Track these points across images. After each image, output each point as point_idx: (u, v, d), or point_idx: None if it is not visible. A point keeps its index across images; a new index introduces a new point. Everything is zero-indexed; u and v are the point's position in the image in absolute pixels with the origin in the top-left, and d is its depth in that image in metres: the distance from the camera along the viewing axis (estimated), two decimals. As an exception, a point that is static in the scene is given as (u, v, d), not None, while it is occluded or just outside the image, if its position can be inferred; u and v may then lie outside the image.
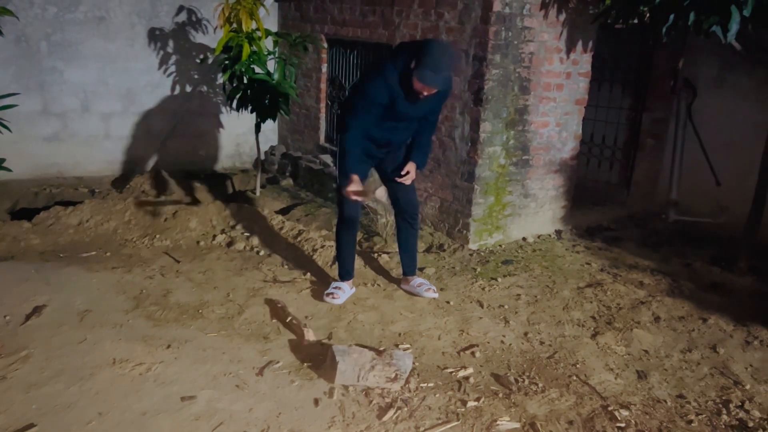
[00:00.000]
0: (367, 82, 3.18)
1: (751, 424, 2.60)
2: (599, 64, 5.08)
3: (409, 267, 3.76)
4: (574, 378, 2.91)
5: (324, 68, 6.02)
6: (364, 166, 3.39)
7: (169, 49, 6.04)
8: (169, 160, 6.21)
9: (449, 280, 3.95)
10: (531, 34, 4.27)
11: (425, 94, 3.08)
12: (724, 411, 2.70)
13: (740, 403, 2.76)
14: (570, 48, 4.50)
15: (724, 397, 2.81)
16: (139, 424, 2.36)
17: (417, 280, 3.74)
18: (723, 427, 2.59)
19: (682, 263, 4.41)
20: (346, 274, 3.63)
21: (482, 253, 4.45)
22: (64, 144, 5.78)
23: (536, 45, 4.32)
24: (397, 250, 3.78)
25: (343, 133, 3.19)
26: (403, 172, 3.42)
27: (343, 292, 3.56)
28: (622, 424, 2.56)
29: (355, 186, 3.11)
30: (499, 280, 3.99)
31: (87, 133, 5.86)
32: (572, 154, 4.86)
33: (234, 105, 5.33)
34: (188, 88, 6.24)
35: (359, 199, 3.20)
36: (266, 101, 5.17)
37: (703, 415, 2.66)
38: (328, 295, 3.52)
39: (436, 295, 3.65)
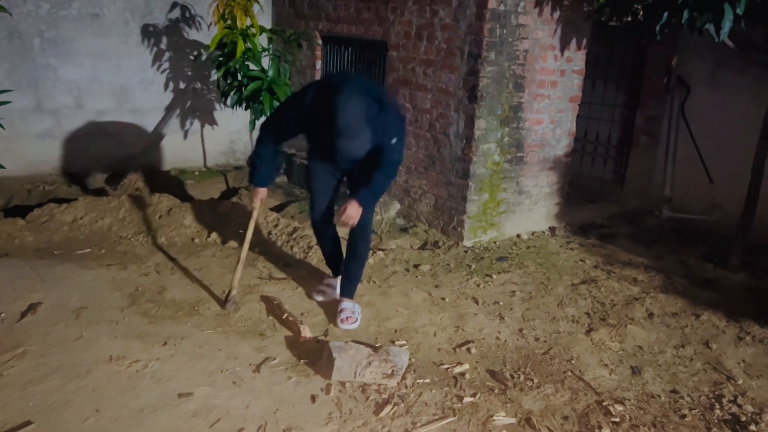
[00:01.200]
0: (289, 96, 3.20)
1: (743, 419, 2.63)
2: (593, 62, 5.11)
3: (344, 287, 3.42)
4: (569, 374, 2.93)
5: (318, 65, 6.01)
6: (327, 178, 3.30)
7: (163, 46, 6.02)
8: (163, 157, 6.20)
9: (444, 277, 3.97)
10: (525, 32, 4.28)
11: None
12: (717, 406, 2.73)
13: (733, 398, 2.78)
14: (564, 45, 4.51)
15: (716, 392, 2.84)
16: (136, 420, 2.36)
17: (345, 304, 3.34)
18: (716, 421, 2.62)
19: (675, 260, 4.44)
20: (332, 272, 3.64)
21: (477, 250, 4.47)
22: (58, 141, 5.75)
23: (531, 42, 4.34)
24: (394, 247, 3.77)
25: (257, 139, 3.21)
26: (337, 215, 3.12)
27: (332, 288, 3.56)
28: (617, 419, 2.58)
29: (256, 199, 3.27)
30: (494, 276, 4.01)
31: (81, 131, 5.83)
32: (566, 151, 4.88)
33: (228, 102, 5.33)
34: (182, 85, 6.22)
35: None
36: (260, 98, 5.17)
37: (697, 410, 2.69)
38: (316, 292, 3.56)
39: (352, 327, 3.23)
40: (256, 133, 5.67)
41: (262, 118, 5.44)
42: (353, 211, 3.03)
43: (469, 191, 4.44)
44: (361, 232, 3.26)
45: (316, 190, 3.36)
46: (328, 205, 3.39)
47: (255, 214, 3.44)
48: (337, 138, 2.70)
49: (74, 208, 4.39)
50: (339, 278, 3.59)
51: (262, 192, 3.30)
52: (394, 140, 2.94)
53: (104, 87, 5.83)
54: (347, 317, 3.27)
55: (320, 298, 3.54)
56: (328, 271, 3.79)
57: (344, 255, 3.45)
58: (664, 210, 5.21)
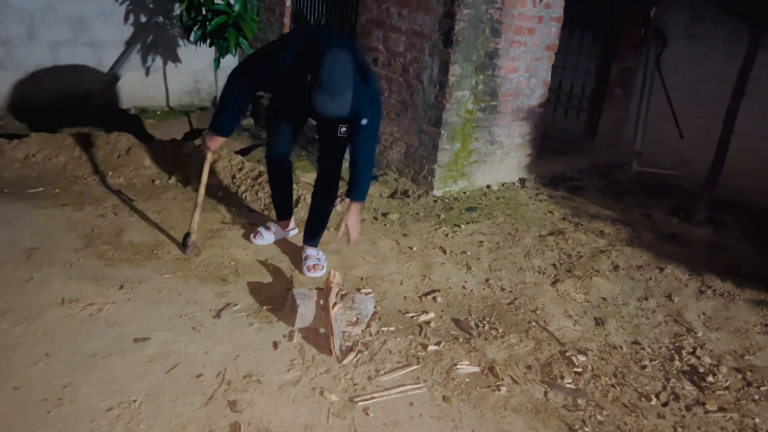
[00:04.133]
0: (268, 45, 2.89)
1: (701, 370, 2.67)
2: (572, 10, 4.98)
3: (307, 235, 3.31)
4: (534, 324, 2.93)
5: (288, 1, 5.74)
6: (291, 119, 3.17)
7: (123, -25, 5.67)
8: (123, 94, 5.92)
9: (413, 226, 3.91)
10: (505, -26, 4.12)
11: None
12: (677, 357, 2.77)
13: (692, 350, 2.82)
14: (543, -10, 4.37)
15: (677, 344, 2.87)
16: (89, 365, 2.28)
17: (308, 251, 3.28)
18: (675, 372, 2.66)
19: (642, 214, 4.46)
20: (277, 215, 3.53)
21: (446, 200, 4.41)
22: (9, 73, 5.43)
23: (509, -15, 4.18)
24: None
25: (225, 87, 2.93)
26: (340, 233, 2.96)
27: (268, 231, 3.45)
28: (579, 369, 2.60)
29: (214, 145, 3.09)
30: (463, 227, 3.97)
31: (34, 63, 5.51)
32: (540, 101, 4.80)
33: (192, 38, 5.07)
34: (143, 19, 5.89)
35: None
36: (226, 35, 4.93)
37: (657, 361, 2.72)
38: (253, 234, 3.44)
39: (318, 274, 3.17)
40: (221, 72, 5.51)
41: (228, 57, 5.21)
42: (355, 220, 2.95)
43: (441, 140, 4.34)
44: (328, 179, 3.17)
45: (277, 128, 3.22)
46: (287, 146, 3.26)
47: (209, 158, 3.25)
48: (318, 94, 2.50)
49: (26, 145, 4.16)
50: (283, 223, 3.51)
51: (220, 141, 3.11)
52: (365, 121, 2.78)
53: (59, 16, 5.49)
54: (313, 265, 3.20)
55: (257, 241, 3.40)
56: (296, 217, 3.69)
57: (310, 202, 3.35)
58: (633, 164, 5.21)
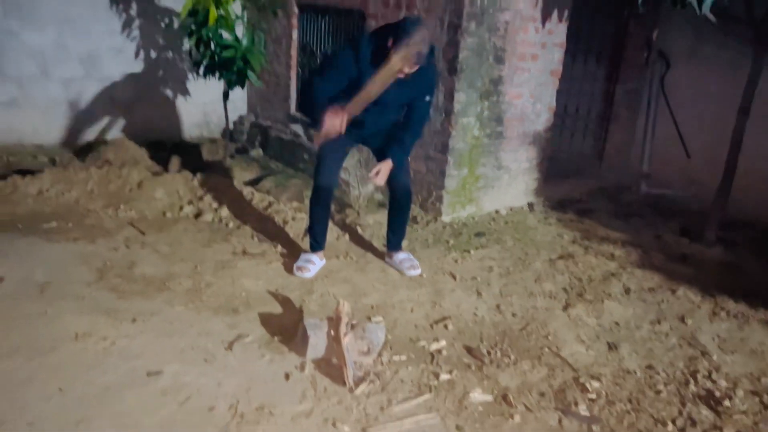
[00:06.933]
0: (339, 50, 3.07)
1: (718, 394, 2.64)
2: (574, 35, 5.04)
3: (392, 242, 3.70)
4: (546, 350, 2.92)
5: (294, 34, 5.84)
6: (342, 144, 3.31)
7: (133, 12, 5.79)
8: (134, 128, 6.01)
9: (422, 253, 3.92)
10: (506, 2, 4.18)
11: (404, 74, 2.95)
12: (692, 381, 2.73)
13: (707, 373, 2.79)
14: (546, 17, 4.43)
15: (691, 368, 2.84)
16: (102, 399, 2.29)
17: (400, 256, 3.67)
18: (691, 396, 2.62)
19: (652, 235, 4.45)
20: (316, 245, 3.56)
21: (455, 226, 4.42)
22: (23, 110, 5.53)
23: (512, 13, 4.24)
24: (372, 222, 3.74)
25: (306, 91, 3.09)
26: (372, 172, 3.25)
27: (314, 264, 3.49)
28: (593, 395, 2.58)
29: (329, 121, 2.94)
30: (472, 252, 3.97)
31: (46, 99, 5.62)
32: (546, 126, 4.83)
33: (201, 72, 5.16)
34: (153, 54, 6.01)
35: (333, 133, 3.02)
36: (234, 68, 5.01)
37: (672, 385, 2.69)
38: (298, 269, 3.45)
39: (418, 272, 3.58)
40: (230, 105, 5.60)
41: (237, 89, 5.30)
42: (386, 171, 3.25)
43: (448, 166, 4.37)
44: (401, 192, 3.49)
45: (332, 154, 3.33)
46: (338, 173, 3.44)
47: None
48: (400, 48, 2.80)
49: (40, 180, 4.24)
50: (321, 252, 3.56)
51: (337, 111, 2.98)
52: (428, 98, 3.21)
53: (71, 54, 5.61)
54: (411, 265, 3.57)
55: (306, 275, 3.43)
56: (304, 246, 3.72)
57: (388, 215, 3.67)
58: (642, 185, 5.21)
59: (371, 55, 2.97)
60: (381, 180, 3.27)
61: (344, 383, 2.48)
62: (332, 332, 2.64)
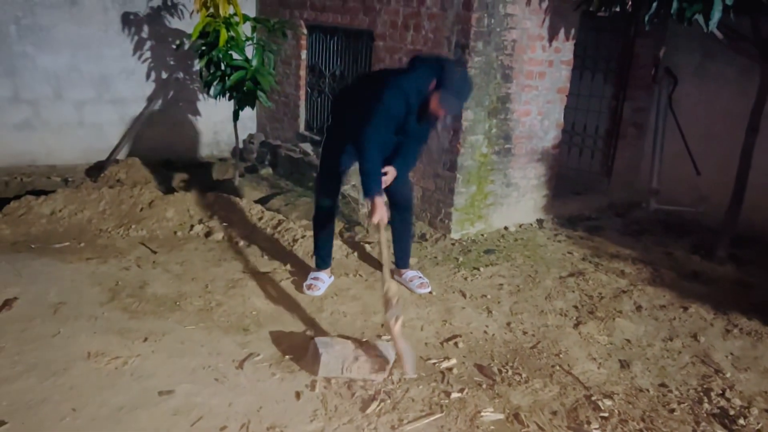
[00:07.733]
0: (389, 95, 2.99)
1: (732, 412, 2.61)
2: (581, 53, 5.07)
3: (401, 259, 3.72)
4: (558, 368, 2.90)
5: (303, 55, 5.92)
6: (345, 165, 3.38)
7: (144, 35, 5.89)
8: (145, 148, 6.08)
9: (431, 270, 3.92)
10: (513, 21, 4.23)
11: (440, 115, 3.13)
12: (706, 399, 2.71)
13: (721, 392, 2.77)
14: (552, 36, 4.46)
15: (705, 386, 2.82)
16: (115, 419, 2.30)
17: (409, 274, 3.69)
18: (705, 415, 2.60)
19: (662, 252, 4.43)
20: (322, 263, 3.58)
21: (464, 243, 4.42)
22: (36, 132, 5.62)
23: (519, 32, 4.28)
24: (368, 241, 3.76)
25: (364, 151, 3.01)
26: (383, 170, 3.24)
27: (323, 282, 3.51)
28: (606, 414, 2.56)
29: (380, 210, 3.00)
30: (482, 269, 3.97)
31: (60, 121, 5.70)
32: (554, 143, 4.85)
33: (211, 92, 5.22)
34: (164, 75, 6.10)
35: (382, 225, 3.04)
36: (244, 88, 5.07)
37: (685, 404, 2.67)
38: (308, 287, 3.46)
39: (428, 290, 3.59)
40: (240, 124, 5.65)
41: (247, 109, 5.36)
42: (392, 177, 3.30)
43: (457, 183, 4.39)
44: (404, 203, 3.55)
45: (333, 177, 3.41)
46: (338, 191, 3.52)
47: (383, 228, 3.08)
48: (448, 97, 2.98)
49: (53, 201, 4.28)
50: (328, 270, 3.59)
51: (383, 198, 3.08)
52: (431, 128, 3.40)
53: (84, 76, 5.71)
54: (421, 283, 3.60)
55: (316, 293, 3.45)
56: (314, 264, 3.73)
57: (392, 231, 3.68)
58: (651, 202, 5.19)
59: (416, 96, 3.02)
60: (389, 178, 3.29)
61: (359, 404, 2.48)
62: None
